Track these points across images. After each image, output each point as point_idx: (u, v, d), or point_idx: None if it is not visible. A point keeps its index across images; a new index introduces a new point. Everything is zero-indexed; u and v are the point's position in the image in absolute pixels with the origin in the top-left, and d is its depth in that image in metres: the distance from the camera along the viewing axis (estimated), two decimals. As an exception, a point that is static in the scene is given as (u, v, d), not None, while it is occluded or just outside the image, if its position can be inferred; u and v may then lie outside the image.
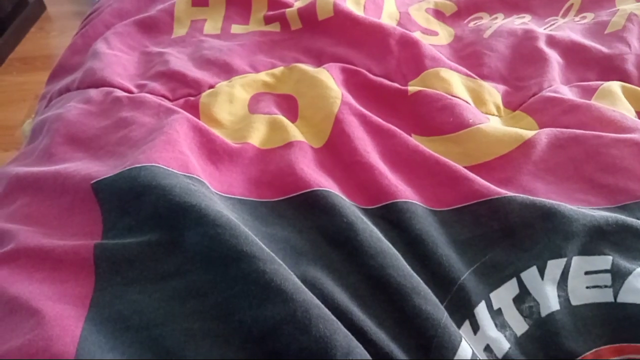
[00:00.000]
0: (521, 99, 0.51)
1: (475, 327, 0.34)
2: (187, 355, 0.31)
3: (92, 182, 0.40)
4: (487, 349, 0.33)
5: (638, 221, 0.37)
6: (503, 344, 0.33)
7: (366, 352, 0.30)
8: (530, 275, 0.35)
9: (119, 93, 0.50)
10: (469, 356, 0.31)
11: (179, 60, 0.54)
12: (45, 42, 1.75)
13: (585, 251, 0.36)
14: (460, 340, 0.31)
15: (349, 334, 0.30)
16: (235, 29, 0.59)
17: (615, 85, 0.52)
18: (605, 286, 0.34)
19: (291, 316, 0.30)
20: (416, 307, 0.32)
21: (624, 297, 0.33)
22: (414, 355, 0.31)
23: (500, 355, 0.33)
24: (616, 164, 0.41)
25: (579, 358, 0.32)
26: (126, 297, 0.34)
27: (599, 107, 0.47)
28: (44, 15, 1.88)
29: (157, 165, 0.39)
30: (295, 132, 0.45)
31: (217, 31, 0.59)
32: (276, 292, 0.32)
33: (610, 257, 0.35)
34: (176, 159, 0.40)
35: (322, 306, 0.31)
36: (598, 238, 0.36)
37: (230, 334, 0.32)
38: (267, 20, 0.60)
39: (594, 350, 0.32)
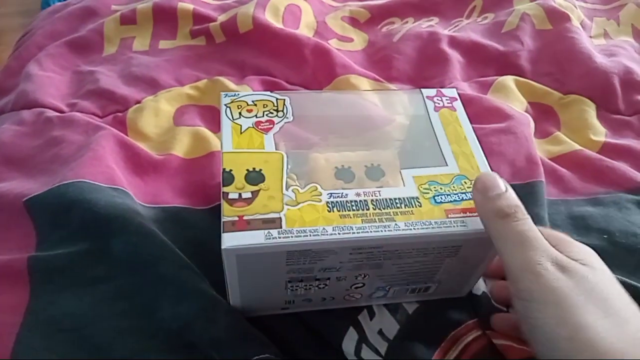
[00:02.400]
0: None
1: (372, 314, 0.38)
2: (115, 350, 0.35)
3: (24, 199, 0.43)
4: (380, 332, 0.37)
5: None
6: (394, 326, 0.37)
7: (266, 338, 0.35)
8: None
9: (51, 113, 0.53)
10: (353, 345, 0.36)
11: (109, 78, 0.57)
12: (-7, 56, 1.73)
13: None
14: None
15: (249, 324, 0.35)
16: (163, 44, 0.63)
17: (509, 80, 0.58)
18: None
19: (203, 311, 0.35)
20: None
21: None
22: (310, 342, 0.36)
23: (391, 337, 0.37)
24: (493, 149, 0.46)
25: (464, 324, 0.36)
26: (59, 302, 0.38)
27: (489, 99, 0.53)
28: (-11, 29, 1.85)
29: (84, 180, 0.43)
30: (216, 142, 0.49)
31: (145, 47, 0.62)
32: (189, 291, 0.36)
33: None
34: (102, 173, 0.44)
35: (226, 303, 0.36)
36: None
37: (154, 329, 0.36)
38: (193, 35, 0.63)
39: (476, 319, 0.37)
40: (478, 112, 0.51)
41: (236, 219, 0.31)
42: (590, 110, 0.56)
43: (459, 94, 0.40)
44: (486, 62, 0.60)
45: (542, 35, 0.62)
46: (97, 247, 0.40)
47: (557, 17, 0.63)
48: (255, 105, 0.37)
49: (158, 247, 0.38)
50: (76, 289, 0.38)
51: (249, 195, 0.32)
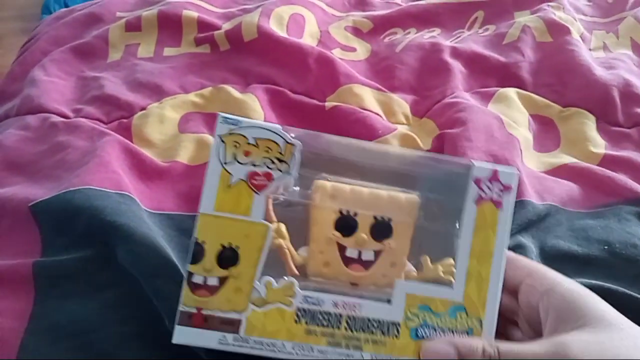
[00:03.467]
0: (427, 106, 0.57)
1: None
2: (120, 356, 0.35)
3: (30, 204, 0.43)
4: None
5: None
6: None
7: None
8: None
9: (56, 119, 0.53)
10: None
11: (114, 84, 0.58)
12: (-8, 60, 1.73)
13: None
14: None
15: None
16: (168, 51, 0.63)
17: (511, 91, 0.58)
18: None
19: None
20: None
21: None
22: None
23: None
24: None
25: None
26: (64, 308, 0.38)
27: (484, 109, 0.53)
28: (-11, 33, 1.85)
29: (90, 187, 0.43)
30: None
31: (150, 54, 0.63)
32: None
33: None
34: (109, 179, 0.44)
35: None
36: None
37: (158, 337, 0.36)
38: (198, 42, 0.64)
39: None
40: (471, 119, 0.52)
41: (194, 311, 0.29)
42: (590, 123, 0.57)
43: (518, 175, 0.31)
44: (487, 73, 0.61)
45: (542, 48, 0.63)
46: (102, 253, 0.40)
47: (558, 29, 0.64)
48: (257, 146, 0.30)
49: (158, 260, 0.38)
50: (81, 294, 0.39)
51: (215, 282, 0.29)
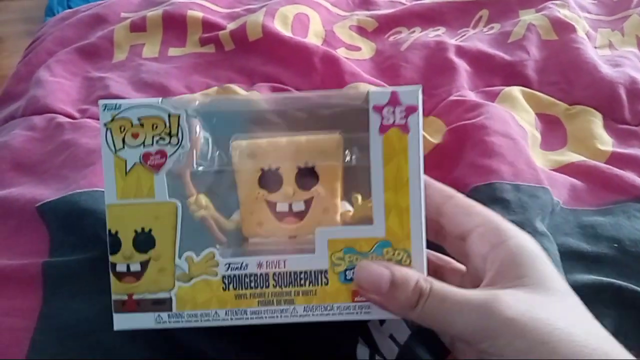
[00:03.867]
0: (433, 105, 0.57)
1: (382, 320, 0.38)
2: (128, 355, 0.35)
3: (37, 204, 0.43)
4: (392, 337, 0.37)
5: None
6: (405, 330, 0.37)
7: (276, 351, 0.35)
8: None
9: (62, 119, 0.53)
10: (367, 355, 0.36)
11: (119, 85, 0.58)
12: (-3, 62, 1.74)
13: None
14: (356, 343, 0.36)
15: (257, 337, 0.35)
16: (173, 51, 0.63)
17: (516, 90, 0.58)
18: None
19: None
20: None
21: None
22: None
23: (402, 342, 0.37)
24: (494, 149, 0.46)
25: None
26: (71, 308, 0.38)
27: (494, 107, 0.53)
28: (-7, 36, 1.86)
29: (97, 189, 0.43)
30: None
31: (155, 54, 0.63)
32: None
33: None
34: None
35: None
36: None
37: (164, 336, 0.36)
38: (203, 42, 0.64)
39: None
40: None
41: (125, 297, 0.30)
42: (597, 120, 0.56)
43: (422, 94, 0.29)
44: (493, 71, 0.61)
45: (548, 46, 0.63)
46: (106, 256, 0.40)
47: (563, 27, 0.64)
48: (142, 126, 0.29)
49: None
50: (89, 294, 0.38)
51: (137, 267, 0.30)
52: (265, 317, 0.29)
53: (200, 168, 0.31)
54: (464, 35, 0.67)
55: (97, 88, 0.58)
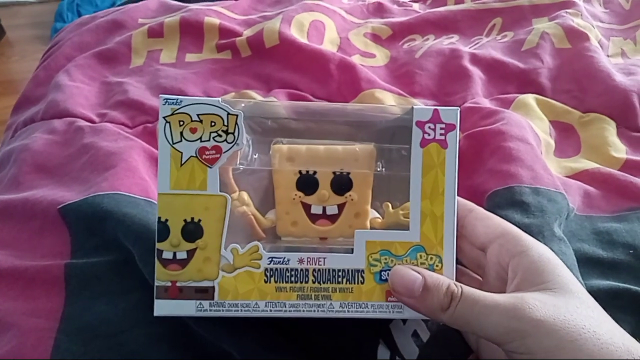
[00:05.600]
0: (448, 112, 0.57)
1: (405, 320, 0.39)
2: (150, 356, 0.36)
3: (59, 206, 0.44)
4: (415, 334, 0.38)
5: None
6: (426, 331, 0.38)
7: (299, 352, 0.35)
8: None
9: (82, 123, 0.54)
10: (388, 356, 0.36)
11: (137, 89, 0.58)
12: (7, 67, 1.75)
13: None
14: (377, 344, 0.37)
15: (281, 337, 0.35)
16: (190, 57, 0.64)
17: (530, 98, 0.59)
18: None
19: (229, 325, 0.35)
20: None
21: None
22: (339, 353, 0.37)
23: (425, 339, 0.38)
24: (511, 154, 0.47)
25: None
26: (94, 309, 0.38)
27: (510, 113, 0.54)
28: (3, 40, 1.88)
29: (119, 192, 0.43)
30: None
31: (172, 60, 0.63)
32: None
33: None
34: (137, 185, 0.45)
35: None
36: None
37: (187, 338, 0.37)
38: (219, 49, 0.65)
39: None
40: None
41: (169, 284, 0.31)
42: (610, 128, 0.57)
43: (460, 114, 0.32)
44: (507, 79, 0.62)
45: (561, 54, 0.64)
46: (129, 257, 0.40)
47: (576, 36, 0.65)
48: (201, 122, 0.31)
49: None
50: (111, 296, 0.39)
51: (184, 255, 0.31)
52: (303, 311, 0.31)
53: (241, 167, 0.33)
54: (478, 42, 0.67)
55: (116, 93, 0.59)
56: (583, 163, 0.53)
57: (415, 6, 0.76)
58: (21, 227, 0.44)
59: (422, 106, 0.32)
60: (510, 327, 0.27)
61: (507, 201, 0.43)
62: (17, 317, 0.37)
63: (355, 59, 0.63)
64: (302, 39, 0.63)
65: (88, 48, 0.65)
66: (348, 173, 0.33)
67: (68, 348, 0.36)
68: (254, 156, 0.33)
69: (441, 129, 0.31)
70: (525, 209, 0.42)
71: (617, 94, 0.58)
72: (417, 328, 0.38)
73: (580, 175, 0.52)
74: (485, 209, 0.42)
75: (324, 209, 0.33)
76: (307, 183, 0.32)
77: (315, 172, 0.33)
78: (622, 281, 0.40)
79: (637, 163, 0.53)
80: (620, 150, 0.55)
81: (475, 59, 0.63)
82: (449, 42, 0.67)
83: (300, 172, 0.33)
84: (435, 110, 0.31)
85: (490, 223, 0.33)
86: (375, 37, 0.68)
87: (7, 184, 0.49)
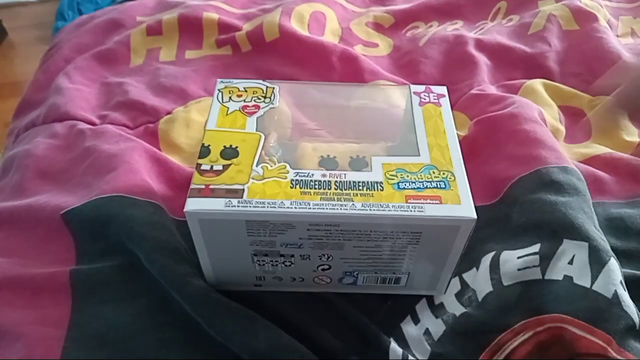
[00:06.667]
0: (455, 99, 0.56)
1: (416, 320, 0.39)
2: None
3: (62, 212, 0.43)
4: (427, 332, 0.38)
5: None
6: (440, 327, 0.38)
7: (309, 352, 0.35)
8: (470, 274, 0.40)
9: (83, 125, 0.53)
10: (399, 356, 0.36)
11: (138, 89, 0.58)
12: (10, 69, 1.75)
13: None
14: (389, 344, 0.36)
15: (292, 338, 0.35)
16: (189, 54, 0.63)
17: (537, 83, 0.57)
18: (534, 266, 0.38)
19: (241, 327, 0.35)
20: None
21: (550, 274, 0.37)
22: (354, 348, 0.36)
23: (436, 338, 0.37)
24: (529, 137, 0.46)
25: (509, 329, 0.36)
26: (102, 315, 0.38)
27: (519, 98, 0.52)
28: (5, 42, 1.88)
29: (121, 194, 0.43)
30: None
31: (172, 58, 0.62)
32: (224, 309, 0.36)
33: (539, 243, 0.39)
34: (139, 186, 0.44)
35: (262, 318, 0.36)
36: None
37: (197, 341, 0.37)
38: (219, 44, 0.64)
39: (522, 322, 0.36)
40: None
41: (203, 187, 0.33)
42: (622, 111, 0.55)
43: (448, 91, 0.41)
44: (513, 64, 0.60)
45: (569, 36, 0.62)
46: (134, 261, 0.40)
47: (584, 17, 0.63)
48: (246, 91, 0.40)
49: (187, 269, 0.38)
50: (118, 301, 0.39)
51: (219, 167, 0.34)
52: (327, 209, 0.32)
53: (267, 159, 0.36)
54: (483, 28, 0.66)
55: (116, 94, 0.58)
56: (594, 148, 0.52)
57: (418, -8, 0.75)
58: (26, 234, 0.44)
59: (416, 85, 0.41)
60: None
61: (537, 184, 0.42)
62: (25, 327, 0.37)
63: (358, 49, 0.62)
64: (302, 31, 0.62)
65: (87, 49, 0.64)
66: (364, 157, 0.36)
67: (77, 355, 0.36)
68: (278, 153, 0.36)
69: (434, 97, 0.40)
70: (557, 188, 0.41)
71: (628, 75, 0.57)
72: (430, 326, 0.38)
73: (591, 161, 0.50)
74: (511, 196, 0.42)
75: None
76: (327, 163, 0.36)
77: (335, 157, 0.36)
78: (637, 269, 0.40)
79: (650, 146, 0.51)
80: (632, 133, 0.53)
81: (481, 45, 0.61)
82: (453, 28, 0.65)
83: (321, 156, 0.37)
84: (427, 86, 0.41)
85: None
86: (378, 26, 0.67)
87: (12, 191, 0.49)
